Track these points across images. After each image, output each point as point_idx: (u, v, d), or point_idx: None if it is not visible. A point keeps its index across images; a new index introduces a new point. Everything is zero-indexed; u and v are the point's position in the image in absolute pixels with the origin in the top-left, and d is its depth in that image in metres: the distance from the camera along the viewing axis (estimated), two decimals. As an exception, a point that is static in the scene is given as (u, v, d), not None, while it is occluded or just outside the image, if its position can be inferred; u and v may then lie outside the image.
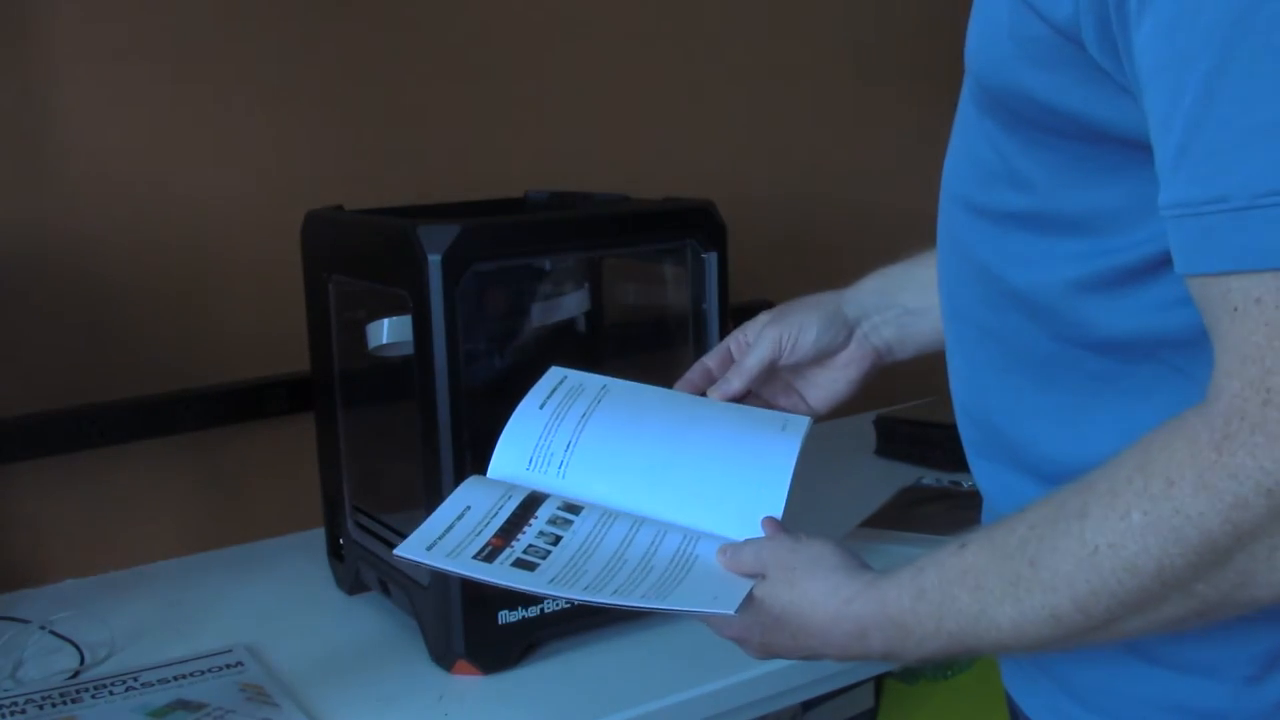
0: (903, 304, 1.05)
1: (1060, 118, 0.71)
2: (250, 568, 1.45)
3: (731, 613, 0.80)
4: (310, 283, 1.33)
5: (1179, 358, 0.72)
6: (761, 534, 0.88)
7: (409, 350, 1.15)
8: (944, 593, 0.73)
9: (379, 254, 1.21)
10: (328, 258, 1.30)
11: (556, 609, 1.18)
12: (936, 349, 1.00)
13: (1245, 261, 0.60)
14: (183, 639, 1.25)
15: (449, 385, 1.12)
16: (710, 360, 1.05)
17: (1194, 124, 0.61)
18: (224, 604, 1.35)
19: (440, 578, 1.14)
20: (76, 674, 1.18)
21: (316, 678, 1.16)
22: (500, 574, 0.83)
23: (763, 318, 1.05)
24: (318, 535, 1.41)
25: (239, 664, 1.18)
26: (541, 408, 0.97)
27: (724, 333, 1.26)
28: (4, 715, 1.09)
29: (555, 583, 0.82)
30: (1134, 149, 0.68)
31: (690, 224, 1.25)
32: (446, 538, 0.86)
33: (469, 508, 0.89)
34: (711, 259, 1.25)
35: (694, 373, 1.05)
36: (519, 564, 0.84)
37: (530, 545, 0.86)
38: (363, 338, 1.24)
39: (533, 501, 0.91)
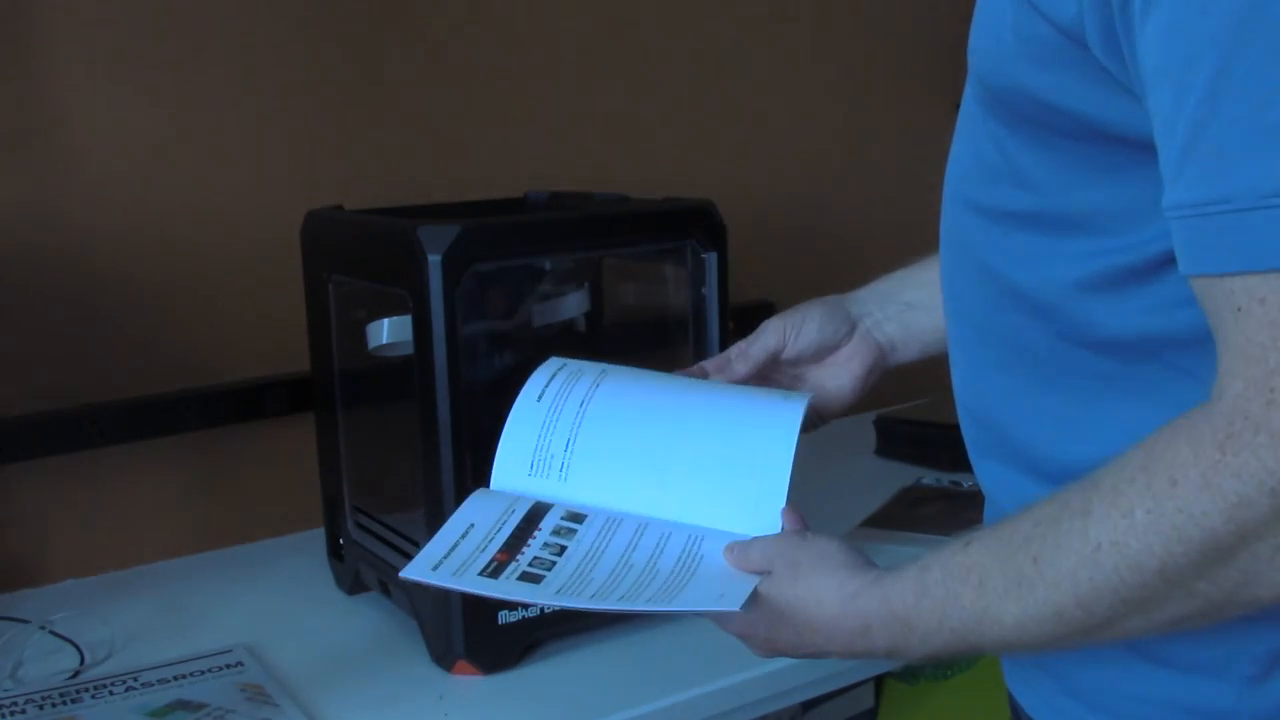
0: (905, 300, 1.05)
1: (1064, 117, 0.72)
2: (250, 568, 1.45)
3: (737, 609, 0.80)
4: (310, 283, 1.33)
5: (1182, 358, 0.72)
6: (764, 526, 0.88)
7: (409, 350, 1.15)
8: (948, 589, 0.73)
9: (379, 254, 1.21)
10: (328, 258, 1.30)
11: (556, 609, 1.18)
12: (940, 349, 0.99)
13: (1249, 262, 0.60)
14: (183, 639, 1.25)
15: (449, 385, 1.12)
16: (709, 364, 1.05)
17: (1198, 125, 0.61)
18: (224, 604, 1.35)
19: (440, 578, 1.14)
20: (76, 674, 1.18)
21: (316, 678, 1.16)
22: (507, 589, 0.83)
23: (769, 321, 1.05)
24: (318, 535, 1.41)
25: (239, 664, 1.18)
26: (539, 399, 0.97)
27: (724, 332, 1.26)
28: (4, 715, 1.09)
29: (562, 593, 0.82)
30: (1137, 149, 0.68)
31: (690, 224, 1.25)
32: (451, 556, 0.86)
33: (473, 525, 0.89)
34: (711, 259, 1.25)
35: (691, 372, 1.05)
36: (525, 577, 0.84)
37: (535, 557, 0.86)
38: (363, 338, 1.24)
39: (536, 513, 0.91)
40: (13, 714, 1.09)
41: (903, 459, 1.72)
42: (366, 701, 1.12)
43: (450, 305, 1.11)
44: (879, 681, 1.67)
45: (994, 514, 0.86)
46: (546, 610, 1.17)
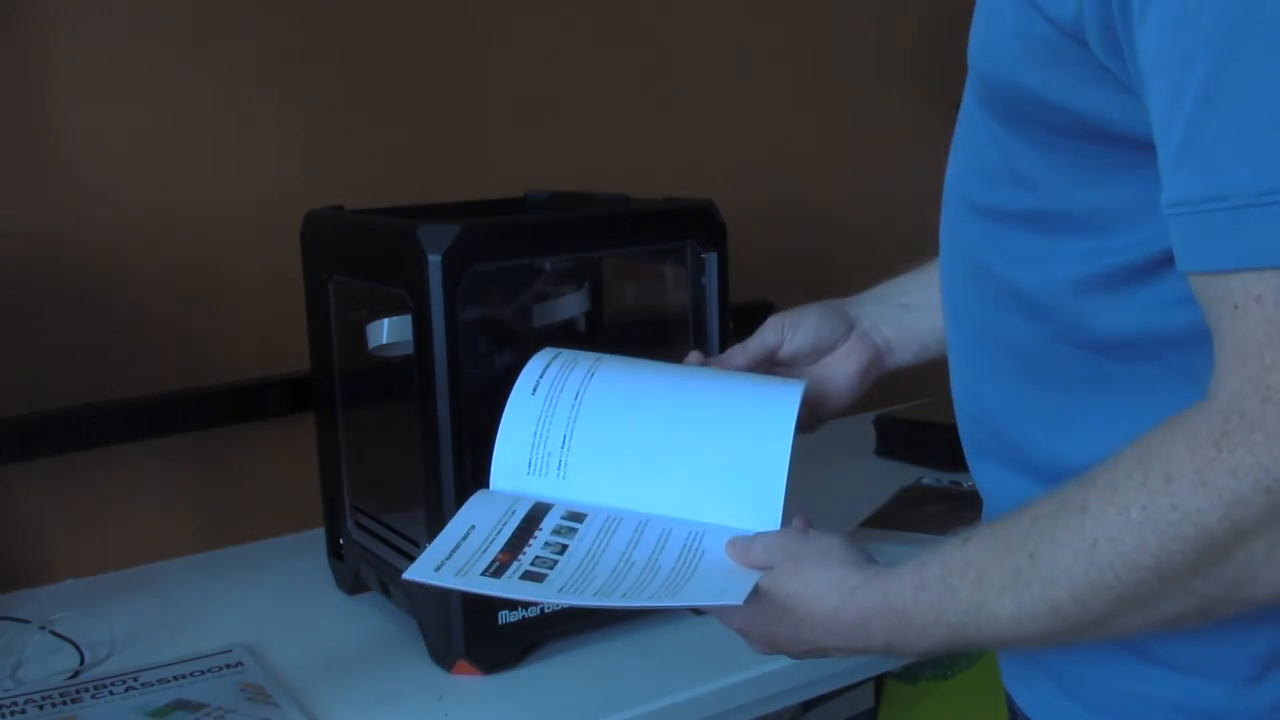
0: (902, 301, 1.05)
1: (1064, 116, 0.72)
2: (250, 568, 1.45)
3: (739, 603, 0.80)
4: (310, 283, 1.33)
5: (1181, 358, 0.72)
6: (764, 520, 0.88)
7: (409, 350, 1.15)
8: (945, 584, 0.73)
9: (379, 254, 1.21)
10: (328, 258, 1.30)
11: (557, 609, 1.18)
12: (938, 352, 0.99)
13: (1246, 259, 0.60)
14: (183, 639, 1.25)
15: (449, 385, 1.12)
16: (709, 363, 1.05)
17: (1196, 122, 0.61)
18: (224, 604, 1.35)
19: (440, 578, 1.14)
20: (76, 674, 1.18)
21: (316, 678, 1.16)
22: (510, 588, 0.83)
23: (771, 318, 1.05)
24: (318, 535, 1.41)
25: (239, 664, 1.18)
26: (533, 392, 0.96)
27: (724, 332, 1.26)
28: (4, 715, 1.09)
29: (564, 591, 0.83)
30: (1137, 148, 0.68)
31: (690, 224, 1.25)
32: (454, 557, 0.86)
33: (474, 527, 0.89)
34: (711, 259, 1.26)
35: (687, 360, 1.04)
36: (527, 576, 0.84)
37: (537, 557, 0.86)
38: (363, 338, 1.24)
39: (536, 514, 0.91)
40: (13, 714, 1.09)
41: (903, 459, 1.73)
42: (366, 701, 1.12)
43: (450, 305, 1.11)
44: (879, 681, 1.67)
45: (992, 514, 0.86)
46: (547, 610, 1.17)
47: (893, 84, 1.99)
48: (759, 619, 0.84)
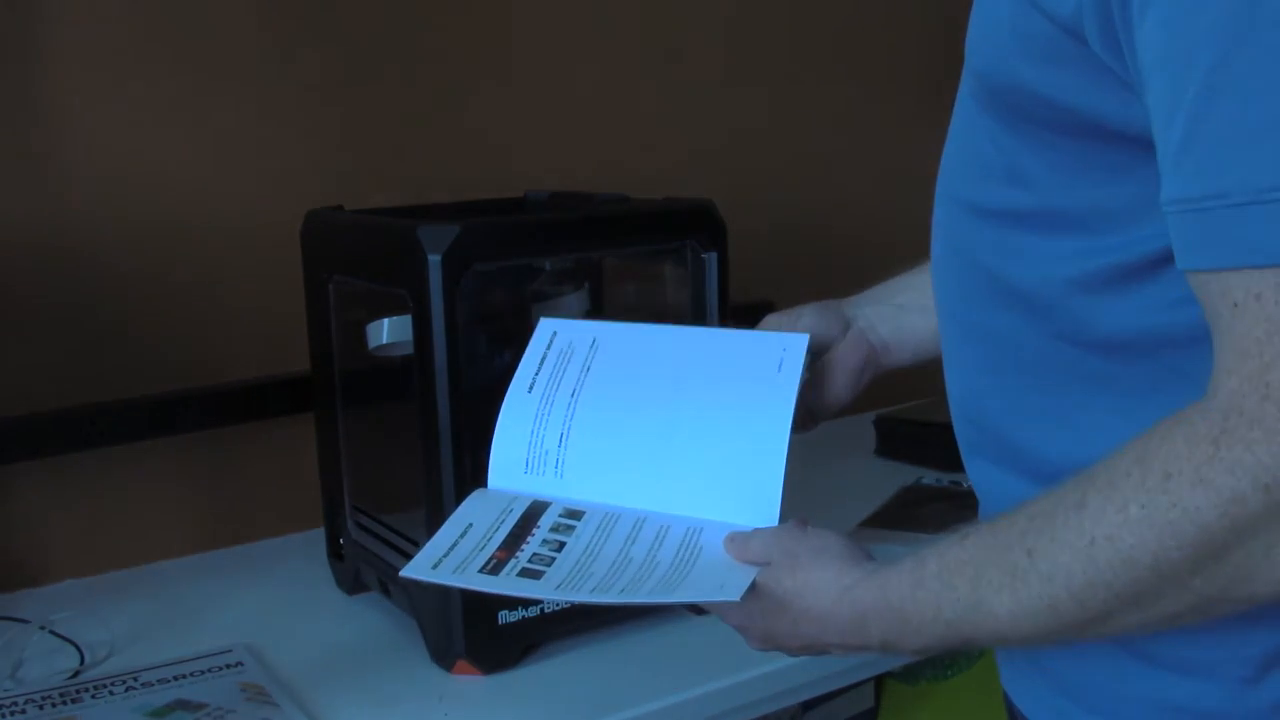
0: (897, 302, 1.04)
1: (1062, 113, 0.71)
2: (250, 568, 1.45)
3: (737, 599, 0.80)
4: (310, 283, 1.33)
5: (1178, 358, 0.72)
6: (761, 516, 0.88)
7: (409, 350, 1.15)
8: (943, 581, 0.73)
9: (379, 254, 1.21)
10: (328, 258, 1.30)
11: (556, 609, 1.18)
12: (934, 351, 0.99)
13: (1246, 258, 0.60)
14: (183, 639, 1.25)
15: (449, 385, 1.12)
16: None
17: (1196, 120, 0.61)
18: (224, 604, 1.35)
19: (440, 578, 1.14)
20: (76, 674, 1.18)
21: (316, 678, 1.16)
22: (507, 585, 0.83)
23: (767, 317, 1.05)
24: (318, 535, 1.40)
25: (239, 664, 1.18)
26: (530, 390, 0.96)
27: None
28: (4, 715, 1.09)
29: (562, 588, 0.83)
30: (1136, 145, 0.68)
31: (690, 224, 1.25)
32: (451, 555, 0.86)
33: (471, 525, 0.89)
34: (711, 259, 1.25)
35: None
36: (525, 573, 0.84)
37: (534, 554, 0.86)
38: (363, 338, 1.24)
39: (534, 512, 0.91)
40: (13, 714, 1.09)
41: (903, 459, 1.73)
42: (366, 701, 1.12)
43: (450, 305, 1.11)
44: (879, 681, 1.67)
45: (987, 513, 0.86)
46: (547, 610, 1.17)
47: (894, 84, 1.99)
48: (756, 615, 0.83)
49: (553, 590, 0.83)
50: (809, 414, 1.03)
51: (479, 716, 1.11)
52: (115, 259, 1.44)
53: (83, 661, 1.21)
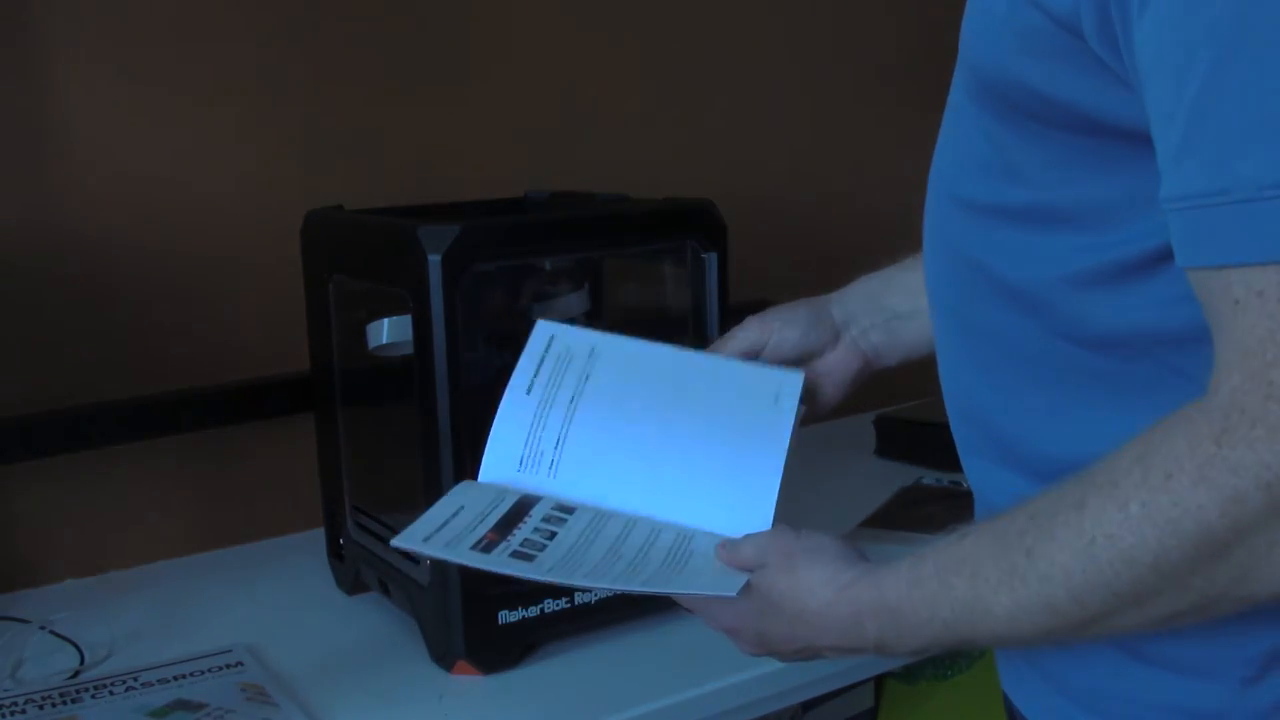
0: (891, 309, 1.04)
1: (1058, 109, 0.71)
2: (250, 568, 1.45)
3: (733, 595, 0.80)
4: (310, 283, 1.33)
5: (1176, 356, 0.72)
6: (754, 526, 0.88)
7: (409, 350, 1.15)
8: (941, 580, 0.73)
9: (379, 254, 1.21)
10: (328, 258, 1.30)
11: (556, 609, 1.18)
12: (924, 353, 0.99)
13: (1247, 254, 0.60)
14: (183, 639, 1.24)
15: (449, 385, 1.12)
16: None
17: (1197, 116, 0.61)
18: (224, 604, 1.35)
19: (440, 578, 1.14)
20: (76, 674, 1.18)
21: (316, 678, 1.16)
22: (499, 563, 0.83)
23: (749, 319, 1.05)
24: (318, 535, 1.40)
25: (239, 664, 1.18)
26: (528, 392, 0.97)
27: (724, 333, 1.26)
28: (4, 715, 1.09)
29: (555, 571, 0.83)
30: (1133, 141, 0.68)
31: (690, 224, 1.25)
32: (443, 530, 0.86)
33: (463, 507, 0.90)
34: (711, 259, 1.25)
35: None
36: (516, 555, 0.84)
37: (526, 539, 0.86)
38: (363, 338, 1.24)
39: (526, 503, 0.91)
40: (13, 714, 1.09)
41: (903, 459, 1.73)
42: (366, 701, 1.12)
43: (450, 305, 1.11)
44: (879, 682, 1.67)
45: (984, 512, 0.86)
46: (547, 610, 1.17)
47: (893, 84, 1.99)
48: (750, 616, 0.83)
49: (545, 573, 0.83)
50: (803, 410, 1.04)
51: (479, 716, 1.11)
52: (115, 259, 1.44)
53: (83, 661, 1.21)
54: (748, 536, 0.86)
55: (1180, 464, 0.62)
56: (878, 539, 1.42)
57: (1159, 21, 0.62)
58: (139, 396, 1.45)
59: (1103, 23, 0.65)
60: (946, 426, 0.91)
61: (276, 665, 1.18)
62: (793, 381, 0.97)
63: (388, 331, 1.20)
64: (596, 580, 0.82)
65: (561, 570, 0.83)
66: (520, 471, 0.93)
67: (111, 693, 1.13)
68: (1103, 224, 0.73)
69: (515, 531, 0.87)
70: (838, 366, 1.04)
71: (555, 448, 0.94)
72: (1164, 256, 0.66)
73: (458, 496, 0.91)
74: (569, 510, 0.90)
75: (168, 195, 1.46)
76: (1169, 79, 0.62)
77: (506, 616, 1.16)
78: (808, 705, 1.54)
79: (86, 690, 1.13)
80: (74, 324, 1.43)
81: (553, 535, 0.87)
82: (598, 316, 1.35)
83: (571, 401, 0.95)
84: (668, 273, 1.32)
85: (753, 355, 1.02)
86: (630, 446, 0.94)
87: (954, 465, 0.91)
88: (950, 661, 1.65)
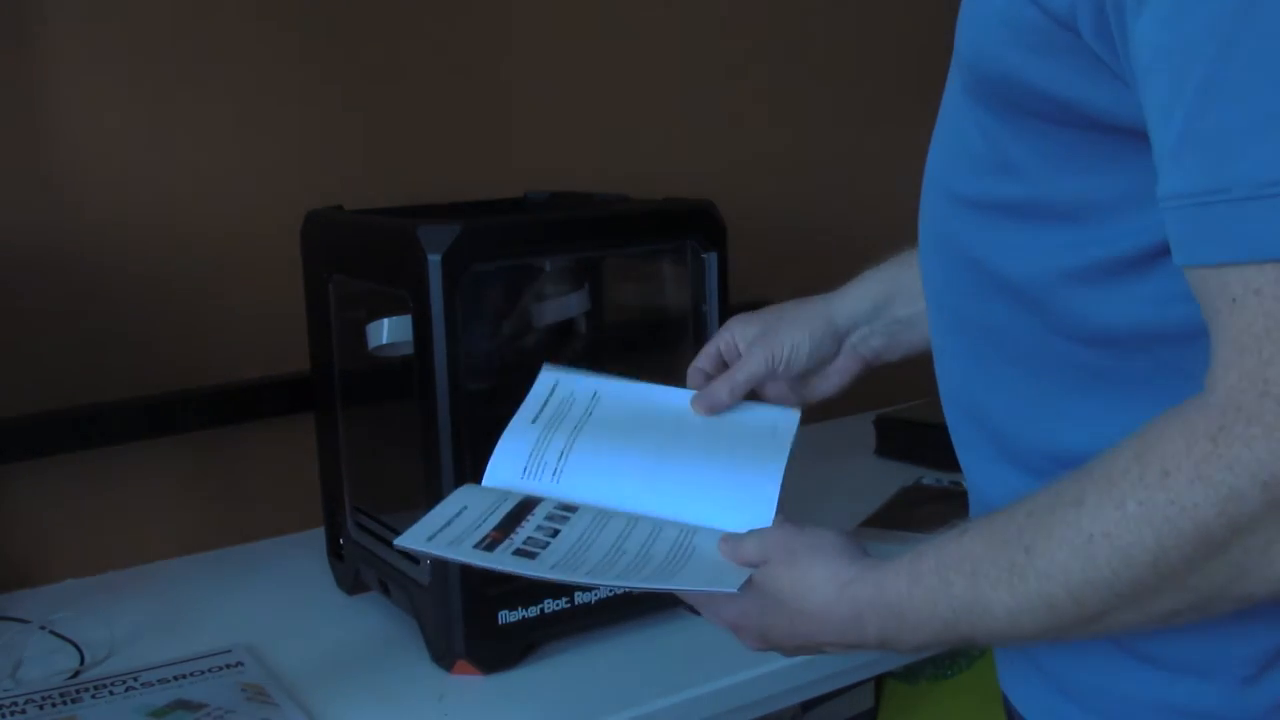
0: (893, 314, 1.05)
1: (1054, 104, 0.71)
2: (250, 568, 1.45)
3: (734, 590, 0.80)
4: (310, 283, 1.34)
5: (1172, 352, 0.72)
6: (756, 520, 0.88)
7: (409, 350, 1.15)
8: (940, 578, 0.73)
9: (379, 254, 1.21)
10: (328, 258, 1.30)
11: (556, 609, 1.18)
12: (925, 351, 1.00)
13: (1245, 252, 0.60)
14: (183, 639, 1.25)
15: (449, 385, 1.12)
16: (704, 364, 1.05)
17: (1195, 114, 0.61)
18: (224, 604, 1.35)
19: (440, 577, 1.14)
20: (76, 674, 1.18)
21: (316, 678, 1.16)
22: (502, 561, 0.84)
23: (750, 324, 1.05)
24: (318, 535, 1.41)
25: (239, 664, 1.18)
26: (534, 422, 0.99)
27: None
28: (4, 715, 1.09)
29: (557, 568, 0.83)
30: (1129, 137, 0.68)
31: (690, 224, 1.25)
32: (446, 530, 0.87)
33: (466, 507, 0.90)
34: (711, 259, 1.26)
35: (692, 382, 1.05)
36: (519, 553, 0.85)
37: (529, 537, 0.87)
38: (363, 338, 1.24)
39: (528, 504, 0.92)
40: (13, 714, 1.09)
41: (903, 459, 1.73)
42: (366, 701, 1.12)
43: (450, 305, 1.11)
44: (879, 681, 1.67)
45: (980, 509, 0.86)
46: (547, 610, 1.17)
47: (892, 83, 1.99)
48: (752, 612, 0.83)
49: (548, 570, 0.83)
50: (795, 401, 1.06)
51: (479, 716, 1.11)
52: (115, 259, 1.44)
53: (83, 661, 1.21)
54: (750, 532, 0.86)
55: (1177, 462, 0.62)
56: (878, 539, 1.42)
57: (1157, 18, 0.62)
58: (139, 397, 1.45)
59: (1099, 19, 0.65)
60: (946, 427, 0.91)
61: (276, 665, 1.19)
62: (790, 418, 1.00)
63: (388, 331, 1.20)
64: (599, 577, 0.83)
65: (564, 567, 0.83)
66: (523, 478, 0.94)
67: (111, 693, 1.13)
68: (1098, 219, 0.73)
69: (518, 530, 0.87)
70: (838, 372, 1.06)
71: (559, 459, 0.95)
72: (1161, 253, 0.66)
73: (460, 498, 0.92)
74: (572, 509, 0.91)
75: (167, 195, 1.46)
76: (1166, 76, 0.62)
77: (506, 616, 1.16)
78: (808, 705, 1.54)
79: (86, 690, 1.13)
80: (74, 324, 1.43)
81: (555, 533, 0.87)
82: (598, 316, 1.36)
83: (576, 428, 0.97)
84: (667, 273, 1.32)
85: (761, 381, 1.03)
86: (633, 457, 0.95)
87: (954, 465, 0.91)
88: (950, 661, 1.65)
